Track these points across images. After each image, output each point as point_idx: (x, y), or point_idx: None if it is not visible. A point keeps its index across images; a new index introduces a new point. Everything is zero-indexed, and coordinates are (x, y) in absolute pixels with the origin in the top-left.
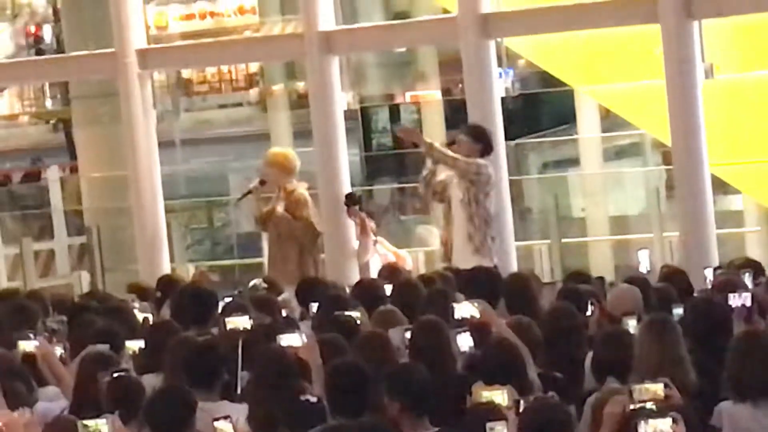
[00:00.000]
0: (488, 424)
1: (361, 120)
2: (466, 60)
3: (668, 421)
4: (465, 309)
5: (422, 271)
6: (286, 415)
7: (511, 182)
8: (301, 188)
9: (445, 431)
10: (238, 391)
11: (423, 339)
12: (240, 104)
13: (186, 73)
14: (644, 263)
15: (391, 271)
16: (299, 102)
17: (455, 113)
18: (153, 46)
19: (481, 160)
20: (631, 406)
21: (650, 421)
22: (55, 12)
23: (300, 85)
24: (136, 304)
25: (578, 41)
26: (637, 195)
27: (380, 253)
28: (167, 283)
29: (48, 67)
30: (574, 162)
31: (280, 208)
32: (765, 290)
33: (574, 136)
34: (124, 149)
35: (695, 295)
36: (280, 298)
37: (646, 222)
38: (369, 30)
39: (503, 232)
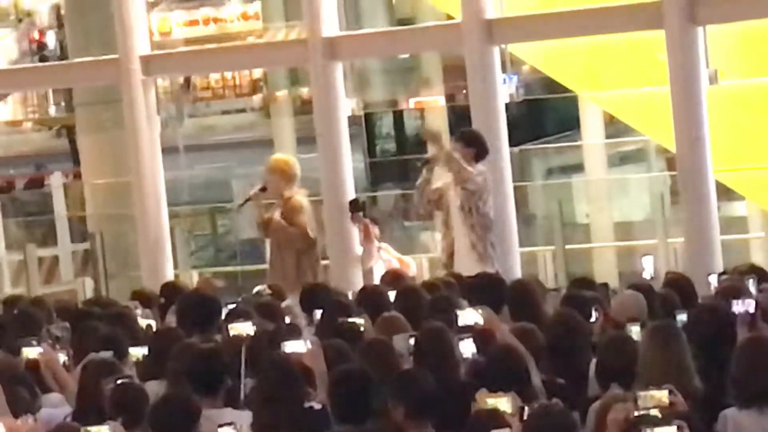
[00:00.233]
0: None
1: (365, 126)
2: (470, 66)
3: (673, 428)
4: (469, 316)
5: (426, 277)
6: (289, 422)
7: (515, 188)
8: (299, 195)
9: None
10: (242, 398)
11: (427, 345)
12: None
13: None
14: (648, 269)
15: (393, 277)
16: (303, 108)
17: (459, 119)
18: (156, 52)
19: (471, 168)
20: (635, 413)
21: (655, 428)
22: (59, 18)
23: (304, 91)
24: (139, 311)
25: (582, 47)
26: (642, 201)
27: (384, 260)
28: (171, 289)
29: (51, 74)
30: (578, 168)
31: (276, 215)
32: None
33: (579, 143)
34: (127, 155)
35: (699, 301)
36: (283, 305)
37: (651, 228)
38: (373, 36)
39: (507, 238)
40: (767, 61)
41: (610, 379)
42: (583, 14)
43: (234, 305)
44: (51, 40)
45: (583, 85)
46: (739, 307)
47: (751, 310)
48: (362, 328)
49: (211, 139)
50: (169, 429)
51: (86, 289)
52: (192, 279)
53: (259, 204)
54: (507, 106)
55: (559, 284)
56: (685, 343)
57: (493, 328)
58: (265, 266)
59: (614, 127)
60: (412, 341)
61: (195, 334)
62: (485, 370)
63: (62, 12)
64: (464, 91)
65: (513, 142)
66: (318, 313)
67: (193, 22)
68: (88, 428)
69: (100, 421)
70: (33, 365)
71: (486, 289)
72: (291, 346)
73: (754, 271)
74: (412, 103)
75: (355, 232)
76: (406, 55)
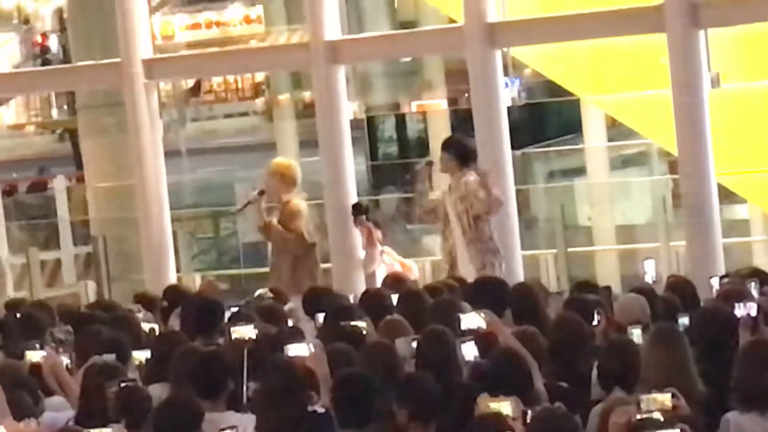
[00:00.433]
0: None
1: (367, 129)
2: (473, 69)
3: (676, 431)
4: (471, 319)
5: (429, 280)
6: (293, 426)
7: (518, 191)
8: (297, 199)
9: None
10: (245, 402)
11: (429, 349)
12: (246, 114)
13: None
14: (650, 273)
15: (394, 280)
16: (305, 111)
17: (461, 123)
18: (159, 55)
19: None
20: (638, 416)
21: (657, 431)
22: (62, 22)
23: (306, 95)
24: (142, 314)
25: (584, 50)
26: (644, 204)
27: (386, 263)
28: (174, 293)
29: (54, 77)
30: (580, 171)
31: (274, 220)
32: None
33: (581, 146)
34: (130, 159)
35: (701, 304)
36: (285, 308)
37: (653, 231)
38: (375, 39)
39: (509, 241)
40: None
41: (612, 382)
42: (585, 18)
43: (236, 308)
44: (54, 43)
45: (585, 89)
46: (741, 310)
47: (753, 313)
48: (365, 332)
49: (213, 142)
50: None
51: (89, 292)
52: (195, 282)
53: (259, 207)
54: (509, 109)
55: (561, 287)
56: (688, 346)
57: (495, 332)
58: (268, 269)
59: (616, 130)
60: (414, 345)
61: (198, 338)
62: (488, 373)
63: (65, 15)
64: (466, 95)
65: (515, 145)
66: (321, 317)
67: (196, 26)
68: (91, 431)
69: (102, 424)
70: (36, 369)
71: (488, 293)
72: (294, 350)
73: (756, 274)
74: (414, 106)
75: (358, 236)
76: (408, 59)
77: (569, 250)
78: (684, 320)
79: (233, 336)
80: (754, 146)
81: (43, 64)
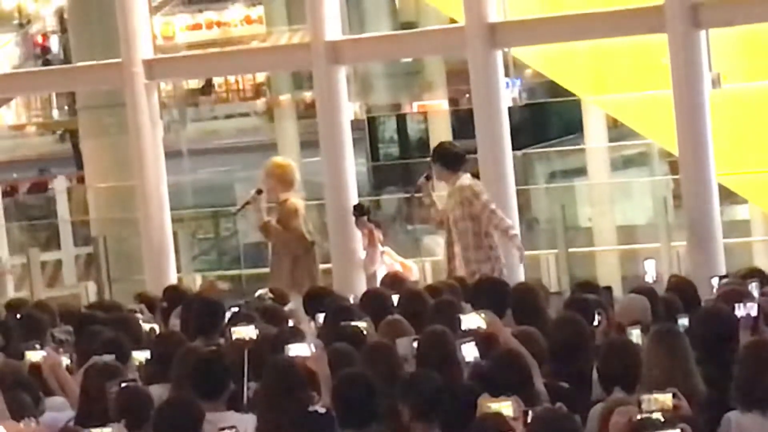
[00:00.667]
0: None
1: (368, 130)
2: (474, 70)
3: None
4: (472, 320)
5: (430, 281)
6: (294, 426)
7: (518, 192)
8: (294, 199)
9: None
10: (245, 402)
11: (430, 349)
12: (247, 114)
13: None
14: (651, 273)
15: (393, 280)
16: (306, 112)
17: (462, 123)
18: (160, 56)
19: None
20: (639, 416)
21: None
22: (62, 22)
23: (307, 95)
24: (142, 315)
25: (585, 51)
26: (644, 205)
27: (387, 264)
28: (174, 293)
29: (55, 78)
30: (581, 172)
31: (273, 220)
32: None
33: (582, 146)
34: (130, 159)
35: (702, 305)
36: (286, 308)
37: (653, 231)
38: (376, 40)
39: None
40: None
41: (613, 382)
42: (586, 18)
43: (237, 309)
44: (54, 44)
45: (586, 89)
46: (741, 310)
47: (754, 313)
48: (365, 332)
49: (214, 143)
50: None
51: (89, 292)
52: (195, 283)
53: (258, 207)
54: (510, 109)
55: (562, 288)
56: (689, 346)
57: (496, 332)
58: (268, 269)
59: (617, 130)
60: (415, 345)
61: (198, 338)
62: (488, 374)
63: (66, 16)
64: (467, 95)
65: (516, 145)
66: (321, 317)
67: (197, 26)
68: (92, 431)
69: (102, 424)
70: (36, 369)
71: (489, 293)
72: (294, 350)
73: (757, 274)
74: (415, 107)
75: (359, 236)
76: (409, 59)
77: (570, 250)
78: (684, 321)
79: (234, 336)
80: (754, 146)
81: (43, 65)
